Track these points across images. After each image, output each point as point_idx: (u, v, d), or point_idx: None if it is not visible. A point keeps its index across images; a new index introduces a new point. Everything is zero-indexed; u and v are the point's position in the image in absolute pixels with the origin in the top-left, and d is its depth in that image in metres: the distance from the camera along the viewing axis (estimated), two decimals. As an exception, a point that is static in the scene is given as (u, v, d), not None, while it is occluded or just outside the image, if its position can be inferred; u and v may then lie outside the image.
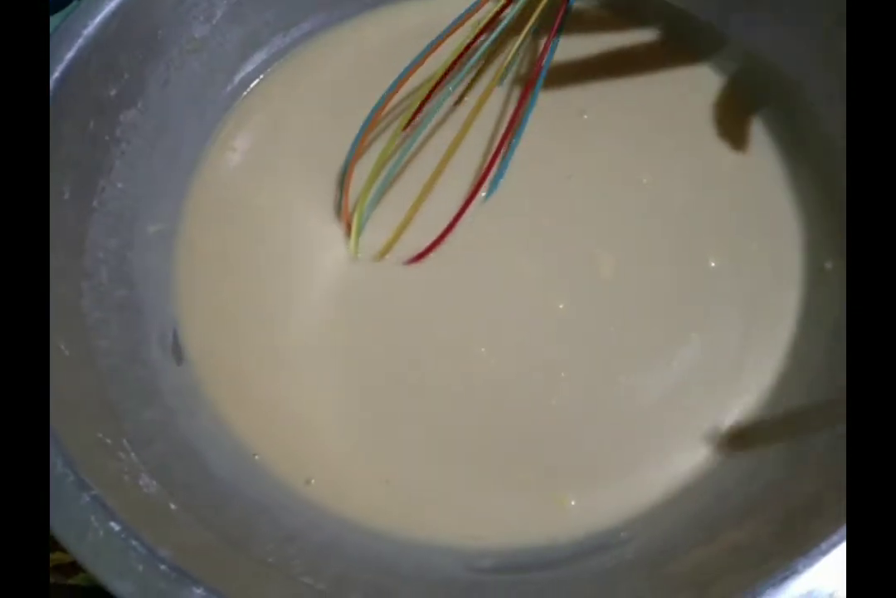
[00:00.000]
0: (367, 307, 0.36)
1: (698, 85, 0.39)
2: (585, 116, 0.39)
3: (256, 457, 0.34)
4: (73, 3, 0.45)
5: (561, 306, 0.35)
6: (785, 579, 0.24)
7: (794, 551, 0.24)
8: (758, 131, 0.38)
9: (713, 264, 0.36)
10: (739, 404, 0.34)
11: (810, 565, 0.24)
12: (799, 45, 0.36)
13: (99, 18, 0.32)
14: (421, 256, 0.36)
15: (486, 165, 0.37)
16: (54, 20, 0.44)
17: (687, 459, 0.33)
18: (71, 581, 0.33)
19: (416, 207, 0.36)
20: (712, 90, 0.39)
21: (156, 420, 0.31)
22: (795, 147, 0.38)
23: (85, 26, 0.31)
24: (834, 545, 0.24)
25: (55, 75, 0.31)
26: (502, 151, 0.37)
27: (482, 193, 0.37)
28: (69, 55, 0.31)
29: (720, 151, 0.38)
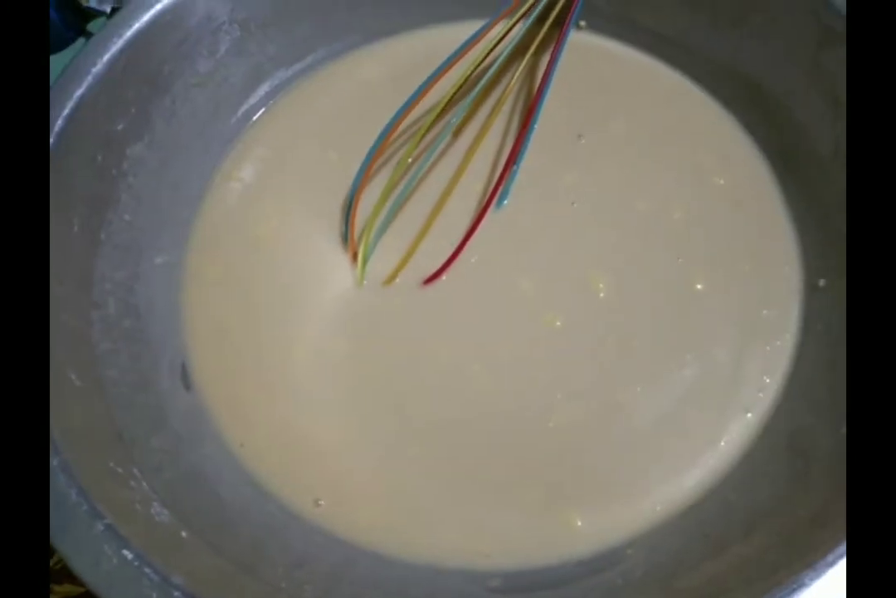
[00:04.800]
0: (370, 331, 0.36)
1: (691, 109, 0.40)
2: (583, 141, 0.39)
3: (265, 480, 0.34)
4: (80, 41, 0.47)
5: (558, 323, 0.36)
6: (793, 591, 0.24)
7: (800, 563, 0.25)
8: (751, 152, 0.39)
9: (699, 287, 0.36)
10: (739, 421, 0.34)
11: (817, 577, 0.24)
12: (787, 66, 0.37)
13: (107, 56, 0.33)
14: (435, 277, 0.37)
15: (491, 189, 0.37)
16: (61, 58, 0.45)
17: (689, 475, 0.33)
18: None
19: (423, 234, 0.37)
20: (705, 113, 0.40)
21: (164, 448, 0.32)
22: (788, 168, 0.38)
23: (94, 64, 0.32)
24: (840, 557, 0.24)
25: (65, 112, 0.31)
26: (506, 176, 0.37)
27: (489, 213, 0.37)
28: (78, 92, 0.32)
29: (713, 173, 0.39)
